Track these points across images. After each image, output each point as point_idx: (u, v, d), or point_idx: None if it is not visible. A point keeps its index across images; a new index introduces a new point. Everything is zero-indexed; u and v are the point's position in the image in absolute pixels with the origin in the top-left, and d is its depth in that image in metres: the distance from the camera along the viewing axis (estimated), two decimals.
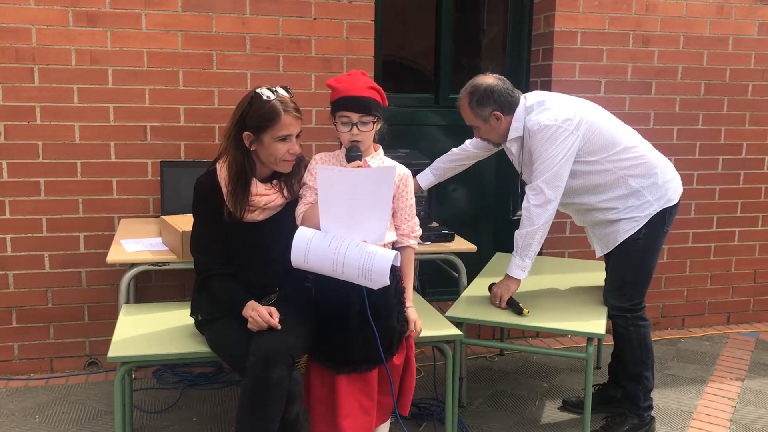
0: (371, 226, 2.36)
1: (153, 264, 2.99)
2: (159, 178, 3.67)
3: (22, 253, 3.64)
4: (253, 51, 3.77)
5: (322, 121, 3.85)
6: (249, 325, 2.34)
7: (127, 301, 3.04)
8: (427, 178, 3.49)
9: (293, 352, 2.30)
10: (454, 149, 3.52)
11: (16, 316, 3.68)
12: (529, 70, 4.48)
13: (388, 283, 2.30)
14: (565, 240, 4.36)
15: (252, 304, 2.40)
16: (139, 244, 3.15)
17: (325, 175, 2.29)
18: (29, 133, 3.57)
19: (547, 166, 2.97)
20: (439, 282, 4.09)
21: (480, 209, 4.59)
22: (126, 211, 3.73)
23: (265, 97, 2.40)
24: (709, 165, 4.58)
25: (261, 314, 2.32)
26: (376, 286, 2.30)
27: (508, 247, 4.60)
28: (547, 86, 4.24)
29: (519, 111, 3.07)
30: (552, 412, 3.44)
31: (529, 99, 3.11)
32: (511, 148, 3.15)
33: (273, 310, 2.36)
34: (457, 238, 3.44)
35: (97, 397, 3.48)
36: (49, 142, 3.60)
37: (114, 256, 2.98)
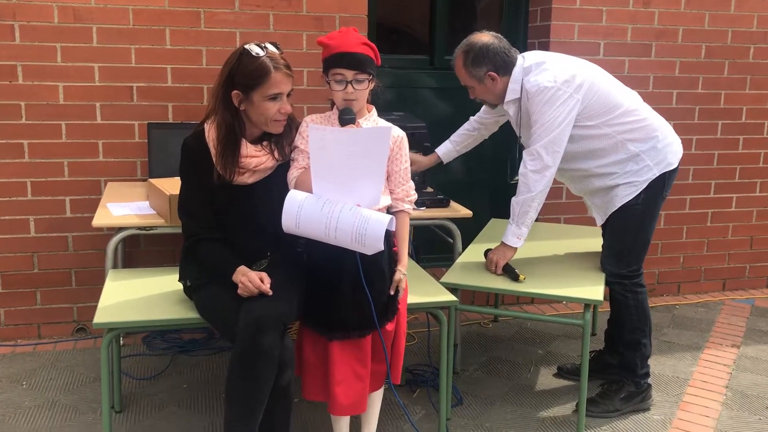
0: (365, 190, 2.28)
1: (140, 228, 2.91)
2: (146, 141, 3.57)
3: (6, 217, 3.55)
4: (242, 9, 3.64)
5: (314, 83, 3.74)
6: (239, 291, 2.27)
7: (115, 266, 2.97)
8: (446, 149, 3.42)
9: (285, 319, 2.23)
10: (471, 118, 3.44)
11: (2, 281, 3.60)
12: (526, 31, 4.37)
13: (383, 249, 2.23)
14: (561, 206, 4.30)
15: (242, 269, 2.33)
16: (125, 207, 3.07)
17: (317, 135, 2.20)
18: (11, 92, 3.45)
19: (545, 130, 2.88)
20: (433, 248, 4.04)
21: (476, 174, 4.51)
22: (113, 174, 3.64)
23: (254, 54, 2.30)
24: (708, 130, 4.50)
25: (252, 279, 2.25)
26: (370, 252, 2.23)
27: (503, 213, 4.53)
28: (545, 47, 4.13)
29: (516, 71, 2.98)
30: (547, 379, 3.41)
31: (527, 59, 3.01)
32: (509, 110, 3.06)
33: (264, 275, 2.29)
34: (453, 203, 3.37)
35: (86, 363, 3.43)
36: (32, 103, 3.48)
37: (100, 219, 2.90)
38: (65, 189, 3.59)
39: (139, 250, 3.72)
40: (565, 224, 4.23)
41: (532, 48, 4.28)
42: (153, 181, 3.04)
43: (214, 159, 2.36)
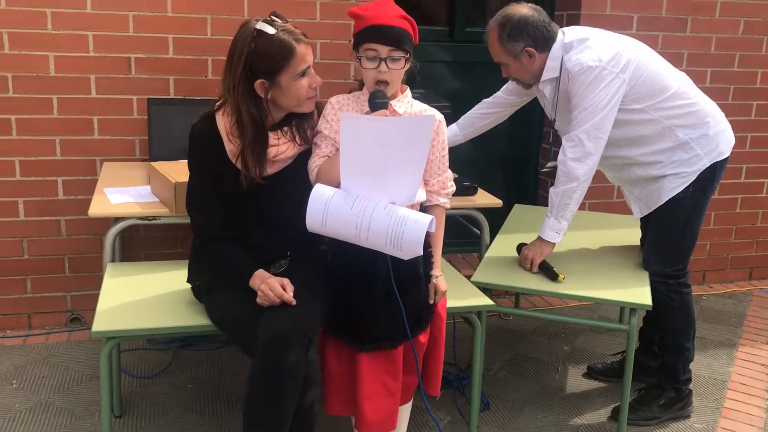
0: (401, 186, 2.02)
1: (142, 218, 2.64)
2: (146, 118, 3.27)
3: None
4: None
5: (329, 56, 3.44)
6: (258, 300, 2.01)
7: (113, 259, 2.70)
8: (453, 134, 3.13)
9: (310, 332, 1.98)
10: (485, 99, 3.14)
11: None
12: (554, 2, 4.07)
13: (421, 253, 1.97)
14: (610, 205, 4.02)
15: (261, 274, 2.06)
16: (125, 194, 2.79)
17: (350, 124, 1.92)
18: None
19: (588, 114, 2.61)
20: (450, 232, 3.76)
21: (493, 154, 4.24)
22: (109, 153, 3.34)
23: (270, 32, 2.01)
24: (742, 111, 4.23)
25: (273, 287, 1.99)
26: (407, 256, 1.97)
27: (526, 198, 4.32)
28: (574, 20, 3.84)
29: (556, 48, 2.70)
30: (576, 380, 3.19)
31: (568, 35, 2.72)
32: (544, 91, 2.79)
33: (286, 282, 2.02)
34: (480, 191, 3.10)
35: (81, 358, 3.17)
36: (20, 75, 3.17)
37: (97, 208, 2.62)
38: (57, 169, 3.30)
39: (138, 236, 3.44)
40: (591, 211, 3.97)
41: (560, 22, 3.98)
42: (156, 165, 2.76)
43: (229, 153, 2.09)
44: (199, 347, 3.32)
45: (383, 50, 2.04)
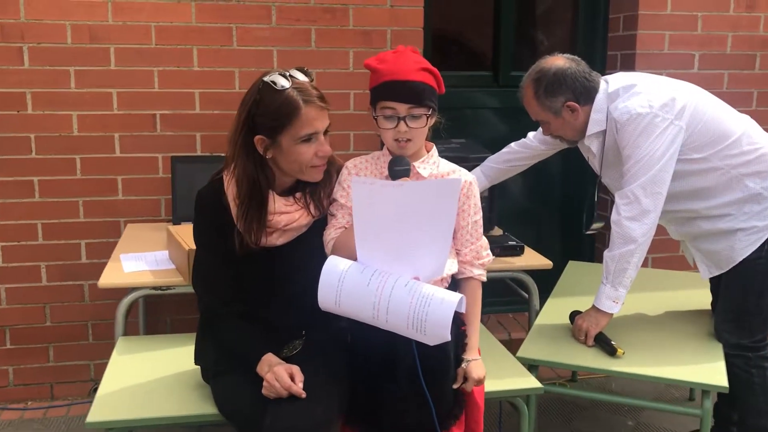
0: (426, 258, 1.76)
1: (155, 288, 2.44)
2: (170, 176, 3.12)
3: (15, 264, 3.13)
4: (279, 23, 3.16)
5: (362, 107, 3.24)
6: (264, 391, 1.77)
7: (125, 332, 2.50)
8: (478, 180, 2.86)
9: (323, 428, 1.72)
10: (512, 144, 2.88)
11: (10, 336, 3.18)
12: (606, 42, 3.79)
13: (449, 339, 1.70)
14: (671, 259, 3.66)
15: (269, 359, 1.82)
16: (140, 260, 2.60)
17: (362, 190, 1.69)
18: (20, 124, 3.03)
19: (642, 166, 2.32)
20: (498, 291, 3.47)
21: (544, 203, 3.94)
22: (134, 214, 3.19)
23: (278, 87, 1.80)
24: None
25: (279, 377, 1.74)
26: (432, 342, 1.70)
27: (581, 254, 3.99)
28: (629, 60, 3.56)
29: (600, 99, 2.43)
30: None
31: (612, 83, 2.46)
32: (591, 147, 2.51)
33: (295, 370, 1.78)
34: (527, 249, 2.82)
35: None
36: (43, 135, 3.06)
37: (108, 278, 2.44)
38: (80, 232, 3.16)
39: (164, 300, 3.26)
40: (654, 268, 3.62)
41: (614, 62, 3.71)
42: (172, 228, 2.57)
43: (234, 219, 1.87)
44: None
45: (402, 108, 1.81)
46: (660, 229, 2.44)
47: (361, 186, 1.68)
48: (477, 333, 1.95)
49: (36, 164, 3.08)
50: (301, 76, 1.85)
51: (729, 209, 2.44)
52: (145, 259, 2.62)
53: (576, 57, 2.49)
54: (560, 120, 2.47)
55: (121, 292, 2.54)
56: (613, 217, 2.38)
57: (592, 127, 2.46)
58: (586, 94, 2.43)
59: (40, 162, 3.08)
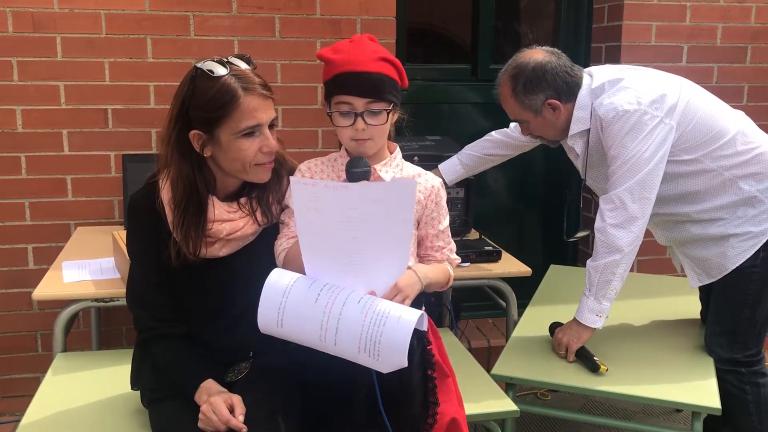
0: (381, 270, 1.55)
1: (96, 300, 2.23)
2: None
3: None
4: (241, 11, 2.95)
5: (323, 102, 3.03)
6: (200, 424, 1.56)
7: (64, 349, 2.29)
8: (454, 169, 2.67)
9: None
10: (493, 133, 2.68)
11: None
12: (590, 34, 3.60)
13: (405, 365, 1.49)
14: (661, 262, 3.47)
15: (208, 386, 1.62)
16: (83, 269, 2.39)
17: (304, 192, 1.48)
18: None
19: (629, 168, 2.14)
20: (477, 297, 3.28)
21: (525, 202, 3.75)
22: (84, 216, 2.98)
23: (215, 74, 1.60)
24: None
25: (217, 410, 1.54)
26: (386, 369, 1.49)
27: (564, 256, 3.81)
28: (614, 53, 3.37)
29: (583, 95, 2.25)
30: None
31: (596, 77, 2.27)
32: (574, 147, 2.32)
33: (236, 400, 1.57)
34: (505, 255, 2.62)
35: None
36: None
37: (44, 289, 2.23)
38: (27, 235, 2.94)
39: (121, 307, 3.04)
40: (640, 273, 3.43)
41: (598, 55, 3.52)
42: (117, 234, 2.35)
43: (170, 226, 1.66)
44: None
45: (359, 103, 1.60)
46: (646, 232, 2.26)
47: (302, 188, 1.47)
48: (433, 270, 1.70)
49: None
50: (242, 64, 1.65)
51: (721, 213, 2.26)
52: (90, 268, 2.41)
53: (556, 50, 2.29)
54: (540, 119, 2.28)
55: (64, 303, 2.34)
56: (597, 223, 2.20)
57: (575, 126, 2.27)
58: (569, 91, 2.25)
59: None
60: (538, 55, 2.25)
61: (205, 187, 1.66)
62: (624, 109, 2.14)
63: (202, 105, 1.60)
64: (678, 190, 2.27)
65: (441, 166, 2.68)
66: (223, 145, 1.63)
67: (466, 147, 2.70)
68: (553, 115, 2.25)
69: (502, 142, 2.65)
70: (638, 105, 2.14)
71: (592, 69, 2.34)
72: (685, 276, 2.48)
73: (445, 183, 2.62)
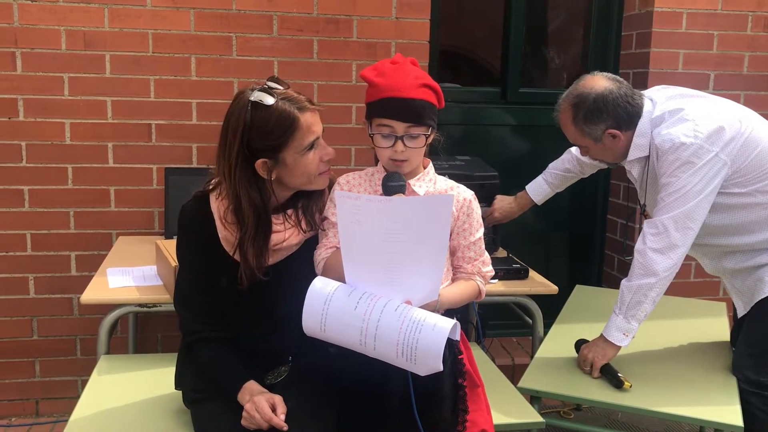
0: (418, 280, 1.64)
1: (140, 305, 2.34)
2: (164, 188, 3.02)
3: (2, 276, 3.03)
4: (281, 33, 3.07)
5: (364, 121, 3.13)
6: (243, 422, 1.65)
7: (107, 351, 2.39)
8: (541, 189, 2.78)
9: None
10: (571, 149, 2.74)
11: None
12: (617, 60, 3.68)
13: (441, 368, 1.57)
14: (688, 286, 3.51)
15: (251, 387, 1.71)
16: (127, 275, 2.50)
17: (347, 205, 1.57)
18: (10, 131, 2.95)
19: (677, 198, 2.18)
20: (502, 315, 3.35)
21: (552, 225, 3.81)
22: (126, 226, 3.09)
23: (267, 103, 1.70)
24: None
25: (260, 408, 1.63)
26: (423, 372, 1.58)
27: (590, 277, 3.86)
28: (642, 79, 3.44)
29: (643, 123, 2.28)
30: None
31: (658, 106, 2.30)
32: (632, 171, 2.38)
33: (278, 400, 1.66)
34: (532, 273, 2.69)
35: None
36: (34, 143, 2.97)
37: (91, 294, 2.34)
38: (71, 243, 3.06)
39: (156, 315, 3.15)
40: (667, 295, 3.46)
41: (626, 79, 3.56)
42: (161, 243, 2.47)
43: (223, 241, 1.77)
44: None
45: (400, 127, 1.70)
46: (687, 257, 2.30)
47: (346, 201, 1.57)
48: (453, 293, 1.78)
49: (26, 173, 2.99)
50: (279, 86, 1.75)
51: (766, 244, 2.30)
52: (133, 274, 2.52)
53: (618, 77, 2.33)
54: (600, 146, 2.33)
55: (108, 307, 2.45)
56: (638, 245, 2.25)
57: (634, 153, 2.32)
58: (629, 120, 2.28)
59: (31, 171, 2.99)
60: (600, 83, 2.28)
61: (270, 208, 1.77)
62: (681, 141, 2.16)
63: (266, 134, 1.69)
64: (727, 222, 2.30)
65: (528, 188, 2.80)
66: (288, 165, 1.73)
67: (549, 166, 2.80)
68: (612, 142, 2.30)
69: (577, 159, 2.71)
70: (695, 138, 2.16)
71: (653, 93, 2.37)
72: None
73: (535, 204, 2.76)
